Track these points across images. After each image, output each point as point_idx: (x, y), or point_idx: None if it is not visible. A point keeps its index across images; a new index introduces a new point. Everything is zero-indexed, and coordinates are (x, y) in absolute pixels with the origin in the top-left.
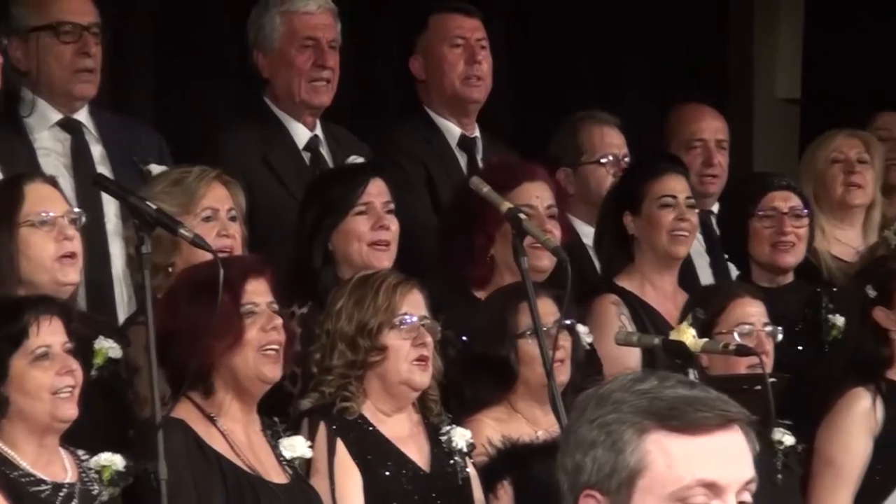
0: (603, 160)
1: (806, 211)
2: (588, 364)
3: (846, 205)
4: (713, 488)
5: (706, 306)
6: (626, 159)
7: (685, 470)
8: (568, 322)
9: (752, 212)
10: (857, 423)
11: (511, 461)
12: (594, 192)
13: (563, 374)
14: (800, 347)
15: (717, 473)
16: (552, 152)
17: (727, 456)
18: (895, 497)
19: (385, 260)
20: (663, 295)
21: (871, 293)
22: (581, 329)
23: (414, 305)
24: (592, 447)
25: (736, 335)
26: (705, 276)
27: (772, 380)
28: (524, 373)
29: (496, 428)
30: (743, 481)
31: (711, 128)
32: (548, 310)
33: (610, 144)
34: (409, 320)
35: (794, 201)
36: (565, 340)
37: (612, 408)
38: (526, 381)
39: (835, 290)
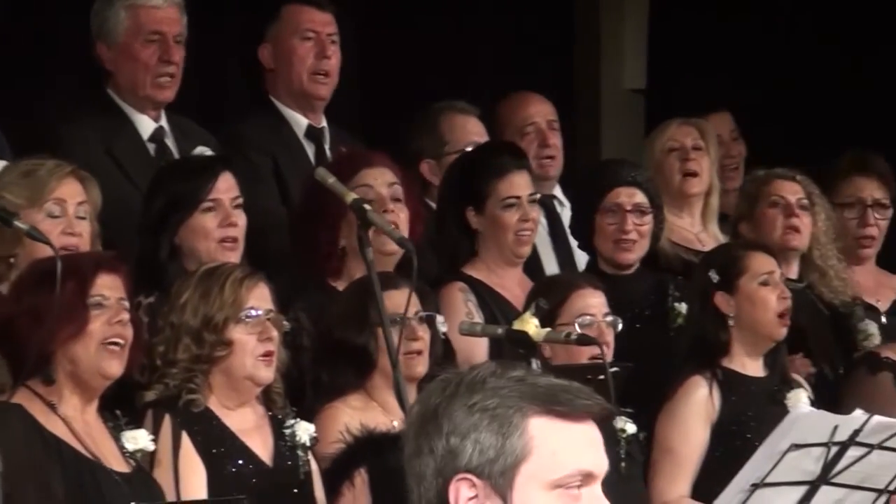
0: (455, 150)
1: (651, 208)
2: (445, 354)
3: (684, 194)
4: (587, 477)
5: (548, 297)
6: None
7: (569, 458)
8: (427, 314)
9: (597, 206)
10: (694, 411)
11: (367, 449)
12: None
13: (421, 366)
14: (646, 335)
15: (592, 463)
16: (413, 144)
17: (598, 445)
18: (735, 485)
19: (233, 256)
20: (510, 283)
21: (715, 278)
22: (439, 319)
23: (260, 299)
24: (474, 431)
25: (577, 325)
26: (549, 262)
27: (614, 369)
28: (382, 361)
29: (353, 416)
30: (605, 471)
31: (541, 111)
32: (403, 300)
33: (471, 133)
34: (255, 314)
35: (639, 198)
36: (424, 332)
37: (492, 393)
38: (384, 370)
39: (680, 278)
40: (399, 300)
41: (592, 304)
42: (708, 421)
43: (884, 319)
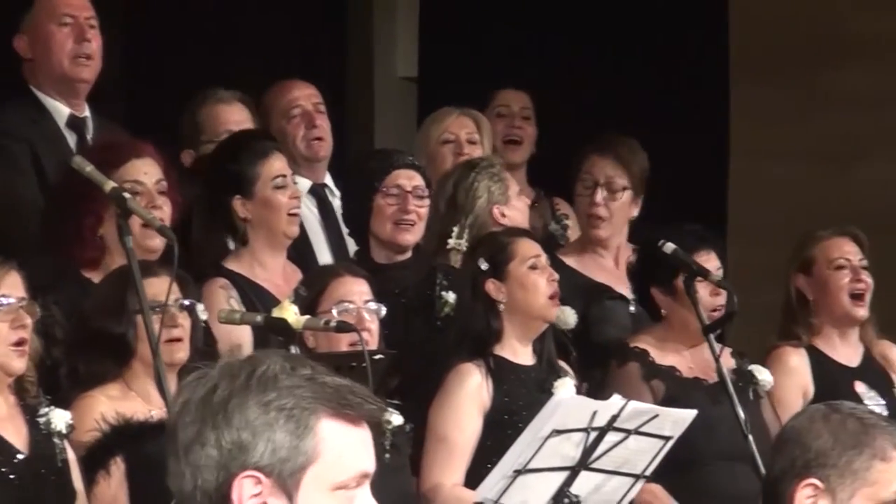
0: (212, 139)
1: (428, 191)
2: (206, 343)
3: None
4: (363, 478)
5: (309, 286)
6: None
7: (352, 461)
8: (187, 302)
9: (377, 188)
10: (467, 399)
11: (124, 438)
12: None
13: (181, 352)
14: (414, 323)
15: (368, 464)
16: (179, 132)
17: (371, 446)
18: (498, 471)
19: None
20: (274, 274)
21: (484, 266)
22: (200, 307)
23: (12, 287)
24: (268, 429)
25: (335, 312)
26: (322, 252)
27: (379, 356)
28: (141, 349)
29: (110, 405)
30: (374, 469)
31: (306, 95)
32: (163, 288)
33: (227, 122)
34: (6, 302)
35: (418, 180)
36: (185, 319)
37: (287, 392)
38: (143, 358)
39: (449, 266)
40: (159, 288)
41: (353, 291)
42: (481, 409)
43: (632, 308)
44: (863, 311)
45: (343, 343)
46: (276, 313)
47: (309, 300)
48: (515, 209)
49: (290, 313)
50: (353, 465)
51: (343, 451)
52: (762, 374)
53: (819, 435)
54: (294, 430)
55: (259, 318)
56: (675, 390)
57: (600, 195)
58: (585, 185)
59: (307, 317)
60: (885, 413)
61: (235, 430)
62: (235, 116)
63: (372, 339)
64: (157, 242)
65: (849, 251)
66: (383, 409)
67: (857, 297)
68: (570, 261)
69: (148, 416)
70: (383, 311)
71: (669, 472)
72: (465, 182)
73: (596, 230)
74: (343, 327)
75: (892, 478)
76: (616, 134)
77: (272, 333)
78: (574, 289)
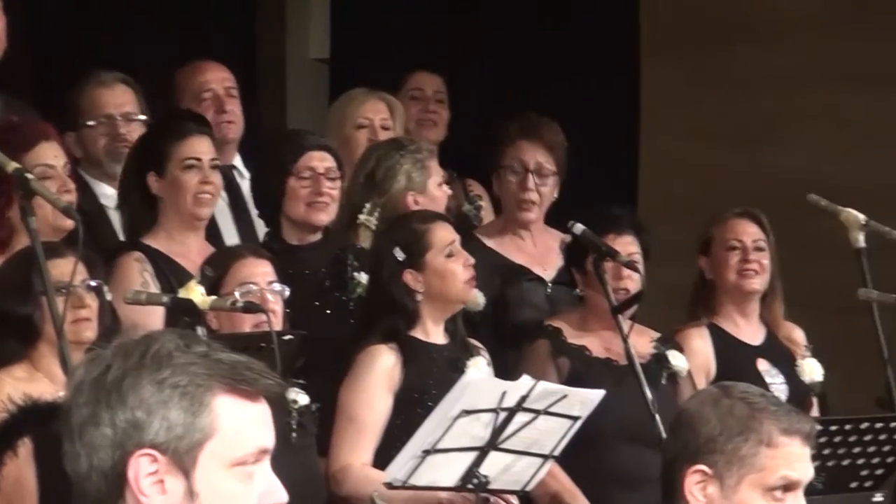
0: (91, 122)
1: (340, 172)
2: (115, 323)
3: None
4: (262, 454)
5: (214, 267)
6: (141, 117)
7: (250, 437)
8: (94, 283)
9: (289, 170)
10: (377, 379)
11: (31, 419)
12: (94, 154)
13: (89, 332)
14: (326, 305)
15: (267, 440)
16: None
17: (270, 422)
18: (408, 451)
19: None
20: (190, 251)
21: (400, 256)
22: (107, 288)
23: None
24: (163, 407)
25: (238, 294)
26: (229, 233)
27: (288, 337)
28: (48, 330)
29: (17, 386)
30: (273, 445)
31: (217, 78)
32: (69, 269)
33: (107, 105)
34: None
35: (330, 162)
36: (92, 300)
37: (181, 369)
38: (49, 339)
39: (360, 248)
40: (65, 268)
41: (256, 272)
42: (391, 389)
43: (549, 290)
44: (750, 284)
45: (246, 324)
46: (182, 294)
47: (212, 281)
48: (432, 199)
49: (197, 293)
50: (251, 441)
51: (240, 427)
52: (676, 360)
53: (708, 420)
54: (189, 408)
55: (166, 298)
56: (581, 369)
57: (532, 181)
58: (514, 170)
59: (213, 297)
60: (786, 390)
61: (130, 409)
62: (117, 99)
63: (276, 319)
64: (68, 223)
65: (743, 232)
66: (281, 384)
67: (744, 274)
68: (490, 242)
69: (55, 397)
70: (287, 292)
71: (574, 451)
72: (387, 161)
73: (527, 213)
74: (250, 308)
75: (779, 464)
76: (537, 116)
77: (178, 314)
78: (492, 269)
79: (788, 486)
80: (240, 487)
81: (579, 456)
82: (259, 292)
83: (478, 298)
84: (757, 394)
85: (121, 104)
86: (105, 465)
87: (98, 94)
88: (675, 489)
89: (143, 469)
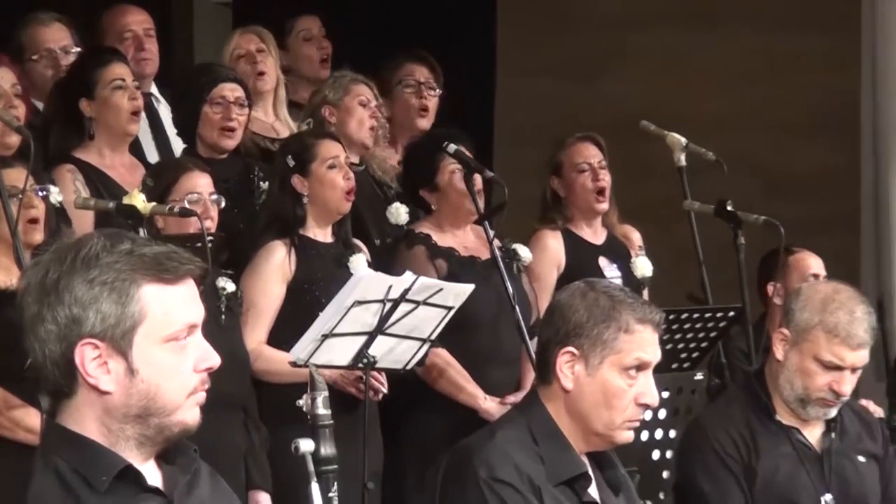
0: (34, 57)
1: (247, 101)
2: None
3: (256, 90)
4: (192, 328)
5: (161, 177)
6: (76, 49)
7: (177, 315)
8: (42, 189)
9: (204, 98)
10: (273, 271)
11: None
12: (41, 84)
13: (38, 234)
14: (236, 210)
15: (195, 315)
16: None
17: (197, 299)
18: (309, 336)
19: None
20: (117, 164)
21: (291, 163)
22: (55, 191)
23: None
24: (95, 302)
25: (186, 202)
26: (150, 150)
27: (210, 237)
28: (2, 230)
29: None
30: (203, 319)
31: (137, 20)
32: (21, 177)
33: (46, 41)
34: None
35: (240, 92)
36: (40, 203)
37: (108, 268)
38: (3, 238)
39: (262, 162)
40: (16, 177)
41: (199, 184)
42: (284, 279)
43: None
44: (604, 205)
45: (191, 226)
46: (126, 200)
47: (160, 189)
48: (348, 111)
49: (139, 200)
50: (179, 318)
51: (167, 308)
52: (523, 252)
53: (577, 310)
54: (118, 300)
55: (111, 204)
56: (455, 268)
57: (426, 92)
58: (408, 84)
59: (154, 203)
60: (621, 283)
61: (67, 307)
62: (54, 35)
63: (214, 224)
64: (14, 140)
65: (589, 154)
66: (200, 265)
67: (598, 193)
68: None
69: (8, 285)
70: (223, 202)
71: (450, 335)
72: (327, 81)
73: (423, 120)
74: (185, 212)
75: (634, 347)
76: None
77: (123, 218)
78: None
79: (641, 366)
80: (174, 359)
81: (455, 339)
82: (202, 201)
83: (400, 214)
84: (616, 288)
85: (59, 39)
86: (55, 355)
87: (38, 31)
88: (549, 368)
89: (87, 356)
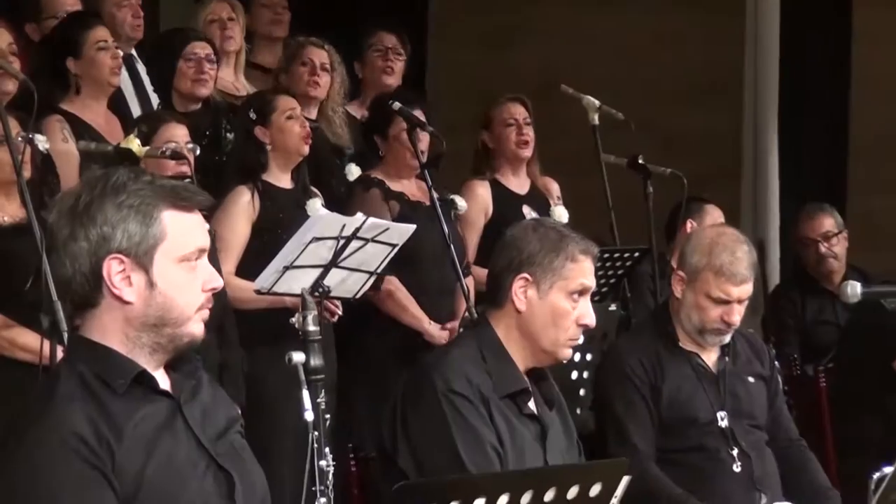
0: (51, 18)
1: (216, 58)
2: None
3: (223, 50)
4: (202, 252)
5: (147, 126)
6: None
7: (190, 238)
8: (30, 135)
9: (178, 55)
10: (239, 211)
11: None
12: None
13: (27, 172)
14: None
15: (204, 241)
16: (23, 9)
17: (205, 228)
18: (272, 267)
19: None
20: (98, 116)
21: (253, 115)
22: (40, 138)
23: None
24: (123, 222)
25: (164, 148)
26: (133, 105)
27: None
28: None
29: None
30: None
31: None
32: (13, 125)
33: (63, 3)
34: None
35: (209, 50)
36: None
37: (134, 194)
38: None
39: (230, 114)
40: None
41: (177, 134)
42: (250, 220)
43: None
44: (527, 152)
45: (168, 170)
46: (123, 145)
47: (145, 136)
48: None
49: (135, 145)
50: (192, 241)
51: (183, 230)
52: (460, 201)
53: (530, 241)
54: (143, 221)
55: (110, 147)
56: (405, 210)
57: (392, 55)
58: (378, 48)
59: (147, 147)
60: None
61: (98, 226)
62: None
63: (190, 169)
64: (11, 87)
65: (515, 112)
66: (209, 198)
67: (521, 144)
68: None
69: (1, 221)
70: (198, 150)
71: (396, 270)
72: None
73: (390, 77)
74: (175, 155)
75: (578, 274)
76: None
77: (120, 159)
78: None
79: (582, 291)
80: (187, 277)
81: (401, 273)
82: (180, 149)
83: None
84: (561, 224)
85: (73, 3)
86: (85, 269)
87: None
88: (503, 292)
89: (113, 269)
